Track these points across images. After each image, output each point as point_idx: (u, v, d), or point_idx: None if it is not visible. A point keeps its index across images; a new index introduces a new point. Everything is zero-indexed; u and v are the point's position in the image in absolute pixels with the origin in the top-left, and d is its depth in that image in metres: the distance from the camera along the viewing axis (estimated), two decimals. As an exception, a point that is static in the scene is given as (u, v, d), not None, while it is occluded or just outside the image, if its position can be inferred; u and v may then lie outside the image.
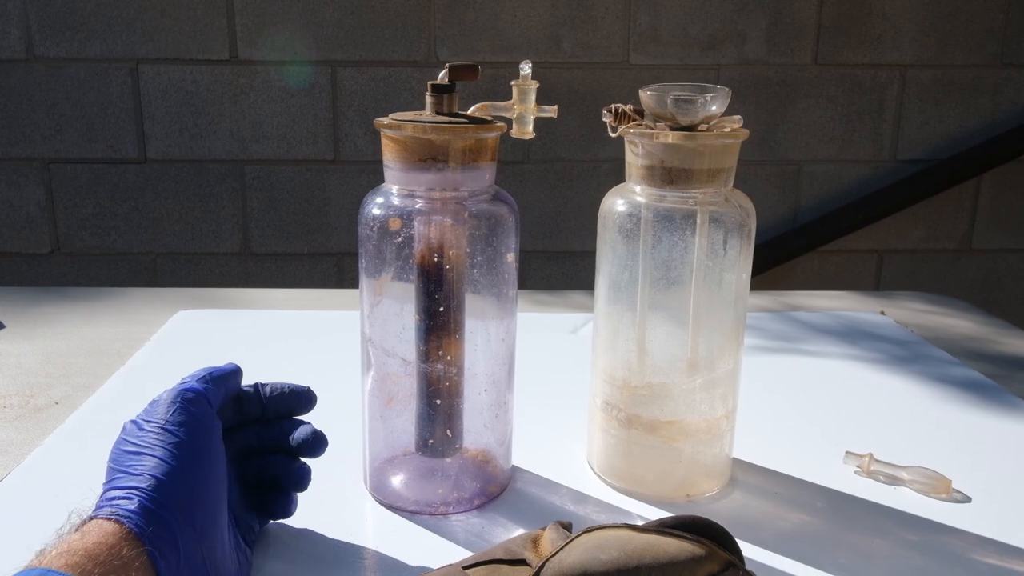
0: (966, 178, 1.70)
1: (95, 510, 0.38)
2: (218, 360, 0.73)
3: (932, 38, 1.66)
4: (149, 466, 0.39)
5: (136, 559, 0.35)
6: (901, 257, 1.77)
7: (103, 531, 0.36)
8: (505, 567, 0.38)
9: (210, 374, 0.45)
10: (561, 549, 0.38)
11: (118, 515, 0.36)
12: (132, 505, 0.37)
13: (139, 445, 0.40)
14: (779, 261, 1.71)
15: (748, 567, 0.40)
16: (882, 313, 0.93)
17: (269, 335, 0.83)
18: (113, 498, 0.38)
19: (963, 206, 1.75)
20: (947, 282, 1.77)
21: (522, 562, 0.39)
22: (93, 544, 0.35)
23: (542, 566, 0.38)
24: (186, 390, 0.42)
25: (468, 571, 0.38)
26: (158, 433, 0.40)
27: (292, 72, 1.58)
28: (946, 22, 1.65)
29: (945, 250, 1.77)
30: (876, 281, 1.78)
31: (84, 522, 0.37)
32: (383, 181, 0.50)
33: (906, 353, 0.80)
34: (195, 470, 0.40)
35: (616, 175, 0.54)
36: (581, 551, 0.38)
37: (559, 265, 1.71)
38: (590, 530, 0.40)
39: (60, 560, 0.34)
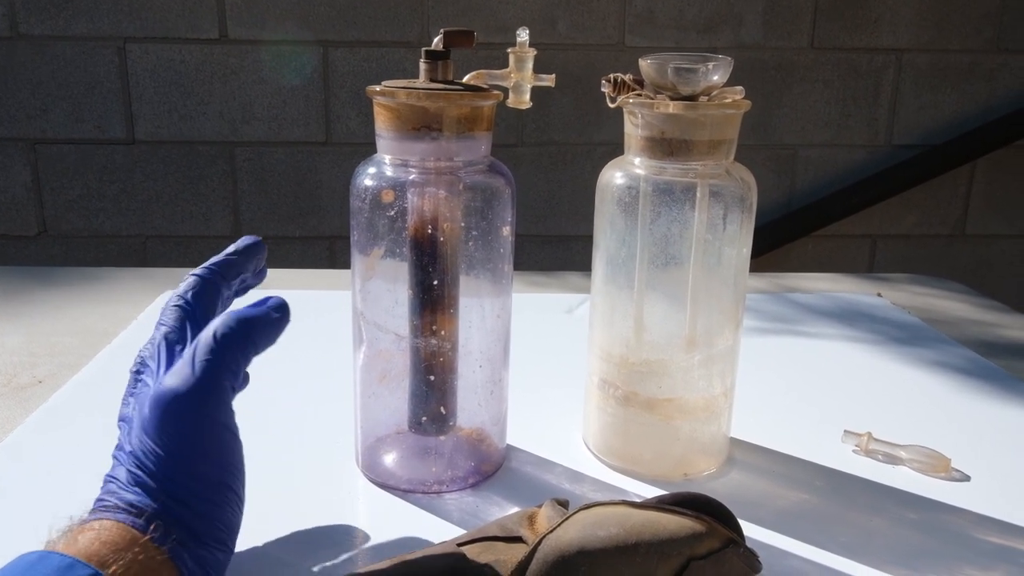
0: (961, 163, 1.70)
1: (96, 507, 0.37)
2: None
3: (928, 22, 1.65)
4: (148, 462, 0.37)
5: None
6: (895, 242, 1.77)
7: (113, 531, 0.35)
8: (500, 544, 0.38)
9: (201, 354, 0.38)
10: (558, 526, 0.37)
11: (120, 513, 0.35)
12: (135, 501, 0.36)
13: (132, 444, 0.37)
14: (773, 245, 1.70)
15: (748, 545, 0.39)
16: (879, 295, 0.92)
17: (259, 315, 0.81)
18: (112, 492, 0.37)
19: (957, 192, 1.75)
20: (940, 267, 1.77)
21: (518, 539, 0.38)
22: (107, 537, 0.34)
23: (538, 543, 0.37)
24: (165, 399, 0.37)
25: (463, 548, 0.37)
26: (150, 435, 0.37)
27: (289, 65, 1.56)
28: (942, 6, 1.64)
29: (939, 235, 1.77)
30: (870, 266, 1.78)
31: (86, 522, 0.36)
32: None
33: (904, 334, 0.79)
34: (196, 459, 0.37)
35: (610, 158, 0.52)
36: (578, 528, 0.37)
37: (553, 249, 1.70)
38: (587, 507, 0.39)
39: (73, 548, 0.33)
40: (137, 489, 0.36)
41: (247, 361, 0.39)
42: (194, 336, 0.41)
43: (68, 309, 0.82)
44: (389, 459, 0.52)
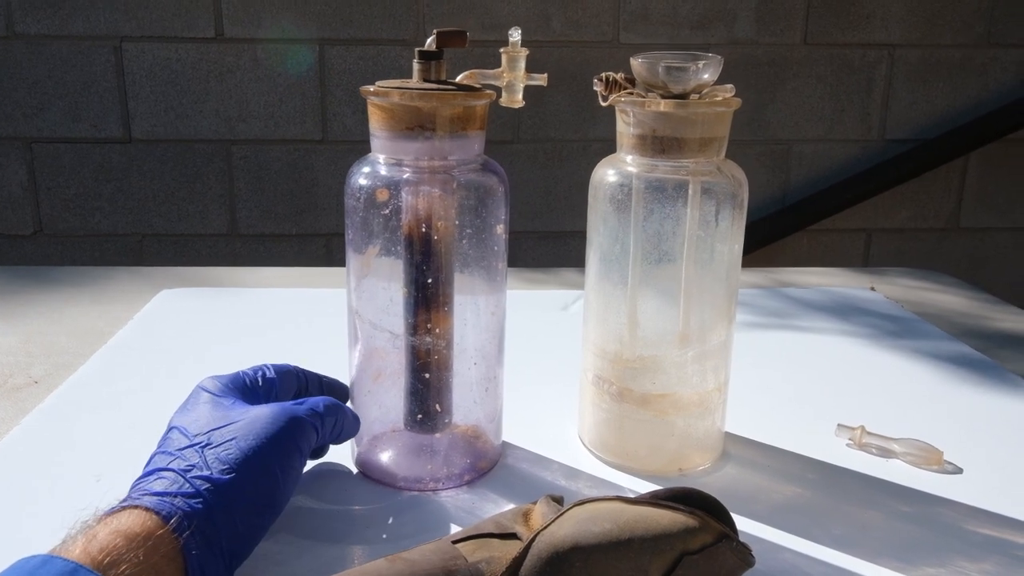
0: (953, 157, 1.70)
1: (132, 493, 0.38)
2: (201, 339, 0.71)
3: (920, 17, 1.65)
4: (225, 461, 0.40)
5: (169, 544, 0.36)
6: (889, 236, 1.78)
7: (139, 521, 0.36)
8: (495, 541, 0.38)
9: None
10: (552, 522, 0.38)
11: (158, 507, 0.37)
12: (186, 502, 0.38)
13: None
14: (768, 240, 1.71)
15: (742, 539, 0.39)
16: (872, 289, 0.92)
17: (254, 314, 0.81)
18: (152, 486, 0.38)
19: (950, 185, 1.75)
20: (934, 261, 1.77)
21: (513, 536, 0.38)
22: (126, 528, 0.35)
23: (533, 539, 0.37)
24: (285, 416, 0.44)
25: (458, 545, 0.37)
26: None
27: (291, 57, 1.56)
28: (933, 2, 1.64)
29: (932, 229, 1.78)
30: (864, 260, 1.79)
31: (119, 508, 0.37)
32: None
33: (897, 328, 0.80)
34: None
35: (606, 154, 0.53)
36: (573, 524, 0.37)
37: (549, 245, 1.70)
38: (581, 503, 0.39)
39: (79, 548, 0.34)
40: (196, 482, 0.38)
41: (326, 432, 0.47)
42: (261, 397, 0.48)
43: (64, 309, 0.82)
44: (385, 457, 0.52)
